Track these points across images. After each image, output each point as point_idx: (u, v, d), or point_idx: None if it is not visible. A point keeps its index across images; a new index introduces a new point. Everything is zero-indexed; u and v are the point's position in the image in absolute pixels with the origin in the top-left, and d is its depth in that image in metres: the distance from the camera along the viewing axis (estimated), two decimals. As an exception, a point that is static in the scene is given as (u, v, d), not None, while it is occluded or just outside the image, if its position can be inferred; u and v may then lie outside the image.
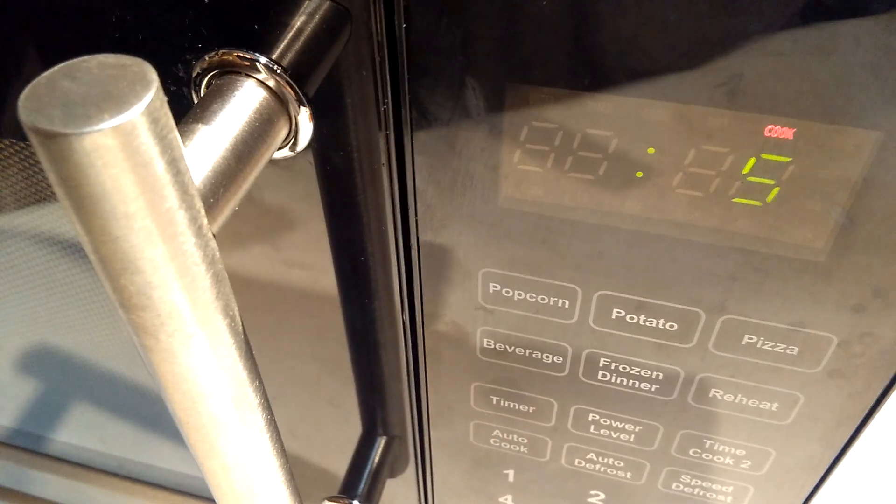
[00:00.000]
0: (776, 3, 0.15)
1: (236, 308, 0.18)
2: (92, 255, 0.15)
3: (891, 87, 0.15)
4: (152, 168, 0.14)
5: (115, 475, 0.47)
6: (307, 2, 0.20)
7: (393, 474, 0.39)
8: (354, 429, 0.36)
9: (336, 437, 0.37)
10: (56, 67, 0.14)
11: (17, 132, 0.27)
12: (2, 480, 0.55)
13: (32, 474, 0.51)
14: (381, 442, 0.37)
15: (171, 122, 0.14)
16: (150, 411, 0.41)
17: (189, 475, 0.44)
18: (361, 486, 0.37)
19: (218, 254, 0.17)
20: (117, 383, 0.40)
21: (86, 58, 0.14)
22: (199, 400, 0.19)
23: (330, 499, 0.37)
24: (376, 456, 0.37)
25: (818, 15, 0.15)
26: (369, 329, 0.29)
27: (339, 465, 0.39)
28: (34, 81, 0.14)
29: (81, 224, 0.15)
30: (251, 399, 0.20)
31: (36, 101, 0.13)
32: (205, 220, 0.16)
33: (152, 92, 0.14)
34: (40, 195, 0.31)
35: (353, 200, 0.24)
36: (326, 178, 0.23)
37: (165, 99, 0.14)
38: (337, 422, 0.36)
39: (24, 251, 0.34)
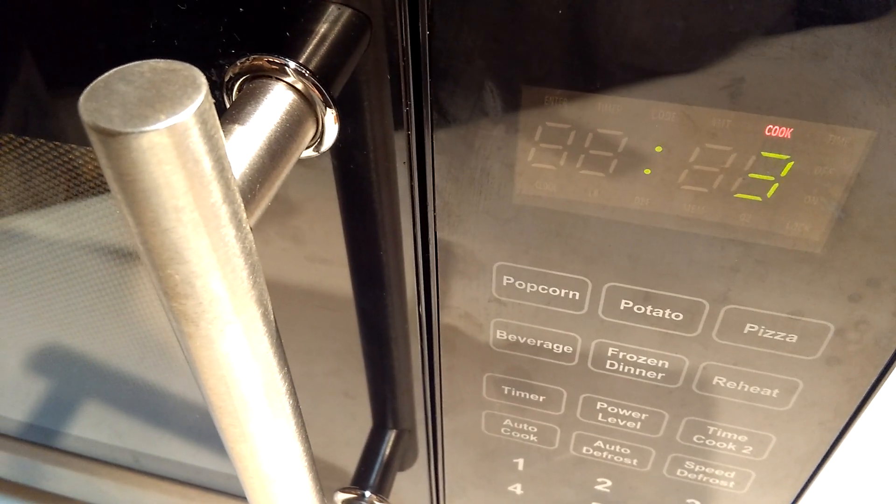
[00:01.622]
0: (775, 12, 0.16)
1: (269, 298, 0.20)
2: (141, 246, 0.16)
3: (881, 89, 0.16)
4: (201, 165, 0.15)
5: (129, 469, 0.48)
6: (331, 9, 0.22)
7: (403, 468, 0.40)
8: (365, 422, 0.37)
9: (347, 430, 0.38)
10: (111, 72, 0.15)
11: (43, 132, 0.28)
12: (17, 476, 0.56)
13: (47, 469, 0.52)
14: (392, 435, 0.38)
15: (218, 122, 0.16)
16: (164, 406, 0.42)
17: (201, 468, 0.45)
18: (373, 477, 0.38)
19: (254, 246, 0.18)
20: (130, 378, 0.41)
21: (139, 63, 0.15)
22: (232, 385, 0.20)
23: (343, 490, 0.38)
24: (387, 449, 0.38)
25: (814, 22, 0.16)
26: (384, 323, 0.30)
27: (350, 459, 0.40)
28: (92, 84, 0.15)
29: (134, 216, 0.16)
30: (280, 385, 0.22)
31: (95, 102, 0.15)
32: (244, 215, 0.17)
33: (202, 95, 0.15)
34: (39, 197, 0.32)
35: (372, 197, 0.25)
36: (348, 176, 0.25)
37: (213, 101, 0.15)
38: (349, 415, 0.37)
39: (34, 249, 0.35)
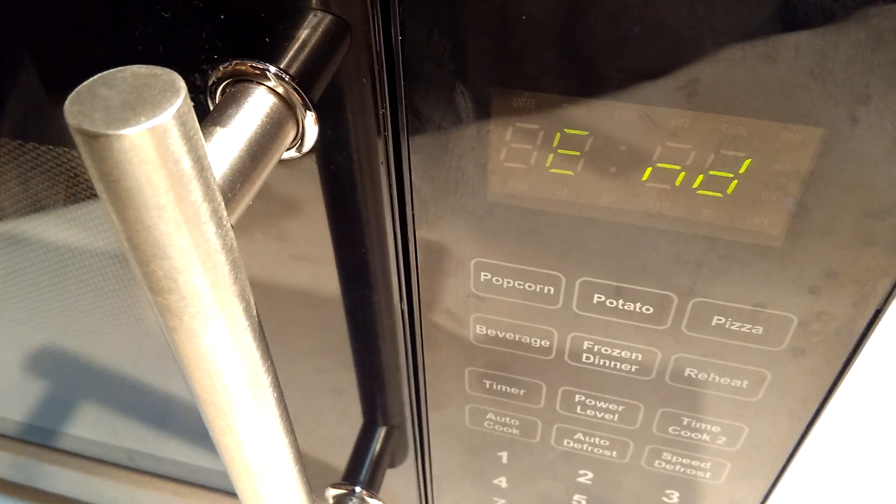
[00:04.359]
0: (727, 17, 0.17)
1: (251, 293, 0.20)
2: (125, 243, 0.17)
3: (829, 88, 0.17)
4: (181, 165, 0.16)
5: (125, 468, 0.48)
6: (311, 16, 0.22)
7: (393, 464, 0.40)
8: (355, 419, 0.38)
9: (337, 427, 0.39)
10: (95, 77, 0.16)
11: (40, 136, 0.29)
12: (14, 476, 0.57)
13: (43, 468, 0.53)
14: (382, 432, 0.38)
15: (197, 125, 0.16)
16: (159, 405, 0.42)
17: (196, 466, 0.46)
18: (363, 474, 0.39)
19: (235, 243, 0.19)
20: (126, 378, 0.41)
21: (121, 68, 0.16)
22: (216, 378, 0.21)
23: (334, 486, 0.39)
24: (377, 445, 0.39)
25: (762, 27, 0.17)
26: (369, 320, 0.31)
27: (340, 456, 0.40)
28: (77, 89, 0.16)
29: (118, 214, 0.16)
30: (263, 378, 0.22)
31: (80, 105, 0.15)
32: (225, 213, 0.18)
33: (181, 98, 0.15)
34: (38, 200, 0.32)
35: (354, 197, 0.26)
36: (329, 176, 0.25)
37: (192, 104, 0.16)
38: (338, 413, 0.37)
39: (31, 252, 0.36)
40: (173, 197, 0.16)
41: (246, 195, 0.20)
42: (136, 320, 0.37)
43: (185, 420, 0.43)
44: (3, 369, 0.45)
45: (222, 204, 0.18)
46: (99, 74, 0.16)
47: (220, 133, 0.20)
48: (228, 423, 0.23)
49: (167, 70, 0.16)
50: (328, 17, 0.22)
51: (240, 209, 0.20)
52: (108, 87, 0.16)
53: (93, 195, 0.32)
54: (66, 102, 0.15)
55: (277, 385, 0.23)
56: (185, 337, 0.19)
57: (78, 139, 0.15)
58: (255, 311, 0.21)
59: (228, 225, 0.19)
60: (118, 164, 0.15)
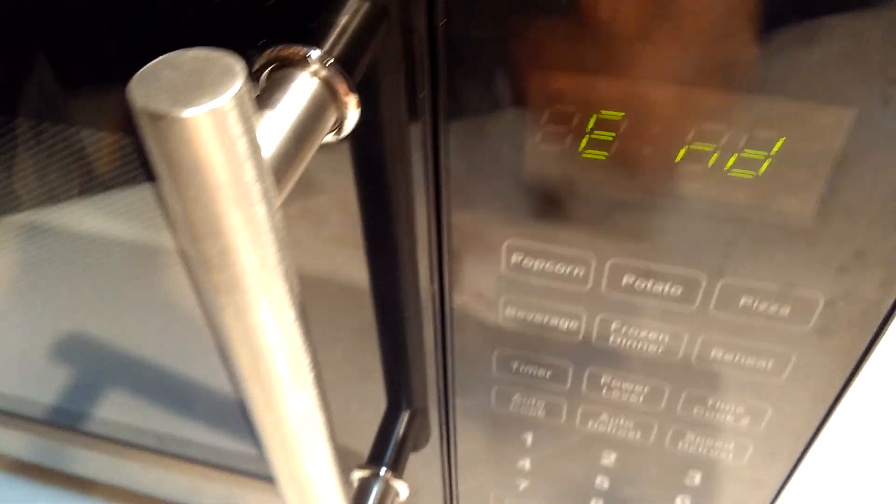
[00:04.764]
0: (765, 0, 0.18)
1: (295, 273, 0.21)
2: (181, 221, 0.18)
3: (862, 70, 0.18)
4: (238, 145, 0.17)
5: (153, 451, 0.49)
6: (351, 1, 0.23)
7: (416, 447, 0.41)
8: (380, 403, 0.38)
9: (361, 411, 0.39)
10: (157, 60, 0.17)
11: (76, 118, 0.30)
12: (42, 459, 0.58)
13: (72, 452, 0.54)
14: (406, 415, 0.39)
15: (252, 107, 0.17)
16: (188, 389, 0.43)
17: (223, 449, 0.47)
18: (388, 456, 0.39)
19: (282, 223, 0.20)
20: (154, 362, 0.42)
21: (181, 51, 0.17)
22: (260, 354, 0.22)
23: (359, 467, 0.40)
24: (401, 428, 0.39)
25: (799, 9, 0.17)
26: (399, 303, 0.32)
27: (363, 439, 0.41)
28: (140, 71, 0.16)
29: (176, 193, 0.17)
30: (304, 357, 0.23)
31: (145, 87, 0.16)
32: (274, 193, 0.19)
33: (241, 81, 0.16)
34: (64, 186, 0.33)
35: (388, 179, 0.26)
36: (363, 159, 0.26)
37: (249, 87, 0.17)
38: (362, 396, 0.38)
39: (55, 239, 0.36)
40: (229, 177, 0.17)
41: (291, 177, 0.21)
42: (163, 304, 0.38)
43: (213, 404, 0.43)
44: (32, 354, 0.46)
45: (272, 185, 0.19)
46: (161, 57, 0.17)
47: (267, 116, 0.21)
48: (269, 400, 0.23)
49: (225, 53, 0.17)
50: (367, 2, 0.23)
51: (285, 191, 0.21)
52: (171, 70, 0.16)
53: (110, 180, 0.32)
54: (131, 83, 0.16)
55: (317, 363, 0.24)
56: (233, 314, 0.20)
57: (142, 120, 0.16)
58: (298, 290, 0.22)
59: (277, 205, 0.19)
60: (181, 144, 0.16)
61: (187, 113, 0.15)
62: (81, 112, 0.28)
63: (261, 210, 0.18)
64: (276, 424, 0.24)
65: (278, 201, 0.20)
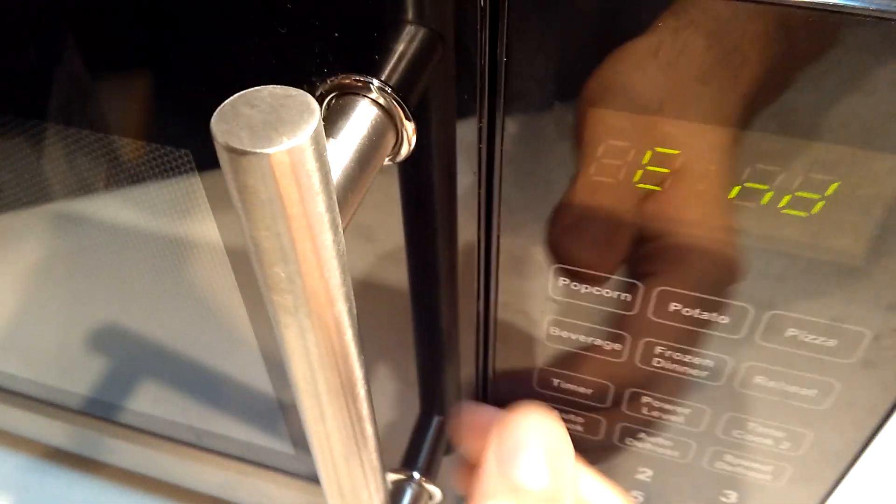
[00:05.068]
0: (826, 48, 0.18)
1: (353, 295, 0.22)
2: (253, 247, 0.19)
3: (922, 121, 0.18)
4: (312, 179, 0.17)
5: (191, 445, 0.51)
6: (408, 29, 0.24)
7: (449, 452, 0.42)
8: (412, 409, 0.39)
9: (396, 416, 0.40)
10: (236, 96, 0.17)
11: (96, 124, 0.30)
12: (80, 449, 0.60)
13: (109, 443, 0.55)
14: (437, 421, 0.40)
15: (325, 143, 0.18)
16: (226, 385, 0.44)
17: (260, 446, 0.48)
18: (421, 460, 0.40)
19: (345, 248, 0.20)
20: (193, 357, 0.43)
21: (258, 88, 0.18)
22: (318, 370, 0.22)
23: (392, 471, 0.40)
24: (433, 434, 0.40)
25: (859, 60, 0.18)
26: (443, 318, 0.32)
27: (398, 443, 0.42)
28: (221, 107, 0.17)
29: (251, 222, 0.18)
30: (358, 373, 0.24)
31: (225, 124, 0.17)
32: (340, 220, 0.20)
33: (316, 119, 0.17)
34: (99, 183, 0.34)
35: (436, 201, 0.27)
36: (414, 181, 0.27)
37: (323, 124, 0.17)
38: (398, 403, 0.39)
39: (93, 232, 0.37)
40: (302, 208, 0.18)
41: (354, 203, 0.22)
42: (202, 301, 0.39)
43: (250, 400, 0.44)
44: (69, 345, 0.47)
45: (338, 213, 0.19)
46: (238, 94, 0.17)
47: (331, 144, 0.22)
48: (322, 412, 0.24)
49: (301, 91, 0.17)
50: (423, 30, 0.24)
51: (349, 216, 0.21)
52: (250, 107, 0.17)
53: (126, 180, 0.33)
54: (213, 120, 0.17)
55: (367, 379, 0.25)
56: (296, 333, 0.21)
57: (223, 156, 0.17)
58: (355, 311, 0.22)
59: (342, 232, 0.20)
60: (260, 179, 0.17)
61: (268, 150, 0.16)
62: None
63: (328, 237, 0.19)
64: (326, 435, 0.25)
65: (343, 226, 0.21)
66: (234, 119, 0.17)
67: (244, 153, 0.16)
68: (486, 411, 0.32)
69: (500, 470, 0.26)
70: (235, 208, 0.18)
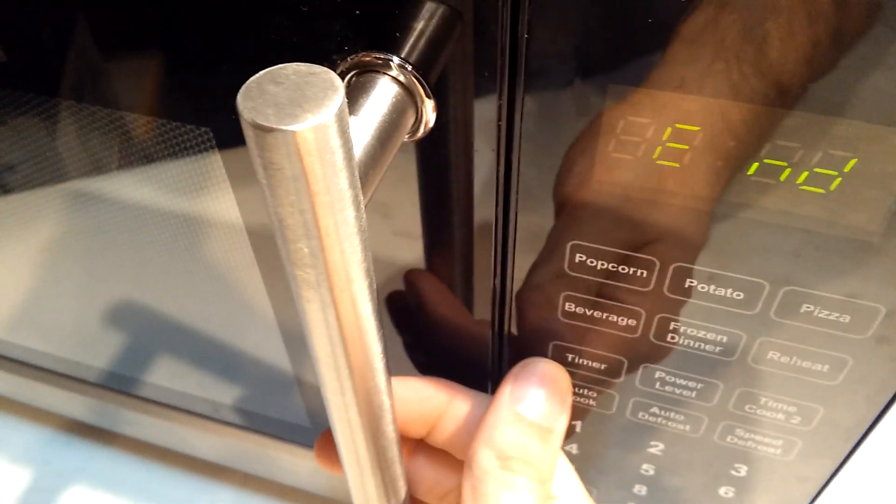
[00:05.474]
0: (846, 23, 0.18)
1: (373, 271, 0.22)
2: (277, 223, 0.19)
3: (943, 98, 0.18)
4: (336, 156, 0.18)
5: (209, 418, 0.52)
6: (427, 6, 0.24)
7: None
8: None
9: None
10: (261, 73, 0.18)
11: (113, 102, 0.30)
12: (99, 421, 0.61)
13: (129, 415, 0.56)
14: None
15: (348, 120, 0.18)
16: (244, 359, 0.45)
17: (276, 419, 0.49)
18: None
19: (366, 224, 0.21)
20: (211, 332, 0.44)
21: (283, 66, 0.18)
22: (338, 344, 0.23)
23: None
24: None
25: (881, 36, 0.18)
26: (459, 294, 0.33)
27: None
28: (246, 84, 0.17)
29: (276, 199, 0.18)
30: (377, 347, 0.24)
31: (251, 101, 0.17)
32: (362, 197, 0.20)
33: (341, 96, 0.17)
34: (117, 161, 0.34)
35: (457, 179, 0.27)
36: (434, 159, 0.27)
37: (346, 100, 0.18)
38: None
39: (110, 209, 0.37)
40: (326, 185, 0.18)
41: (375, 180, 0.22)
42: (219, 277, 0.39)
43: (268, 375, 0.45)
44: (89, 320, 0.48)
45: (360, 190, 0.20)
46: (264, 71, 0.18)
47: (353, 122, 0.22)
48: (342, 385, 0.25)
49: (325, 69, 0.18)
50: (442, 7, 0.24)
51: (370, 193, 0.22)
52: (275, 84, 0.17)
53: (143, 158, 0.33)
54: (239, 97, 0.17)
55: (386, 353, 0.25)
56: (317, 307, 0.21)
57: (249, 133, 0.17)
58: (374, 286, 0.23)
59: (363, 208, 0.20)
60: (285, 155, 0.17)
61: (294, 127, 0.16)
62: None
63: (350, 214, 0.19)
64: (345, 407, 0.26)
65: (364, 202, 0.21)
66: (259, 96, 0.17)
67: (270, 130, 0.17)
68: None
69: (512, 400, 0.29)
70: (260, 185, 0.18)
